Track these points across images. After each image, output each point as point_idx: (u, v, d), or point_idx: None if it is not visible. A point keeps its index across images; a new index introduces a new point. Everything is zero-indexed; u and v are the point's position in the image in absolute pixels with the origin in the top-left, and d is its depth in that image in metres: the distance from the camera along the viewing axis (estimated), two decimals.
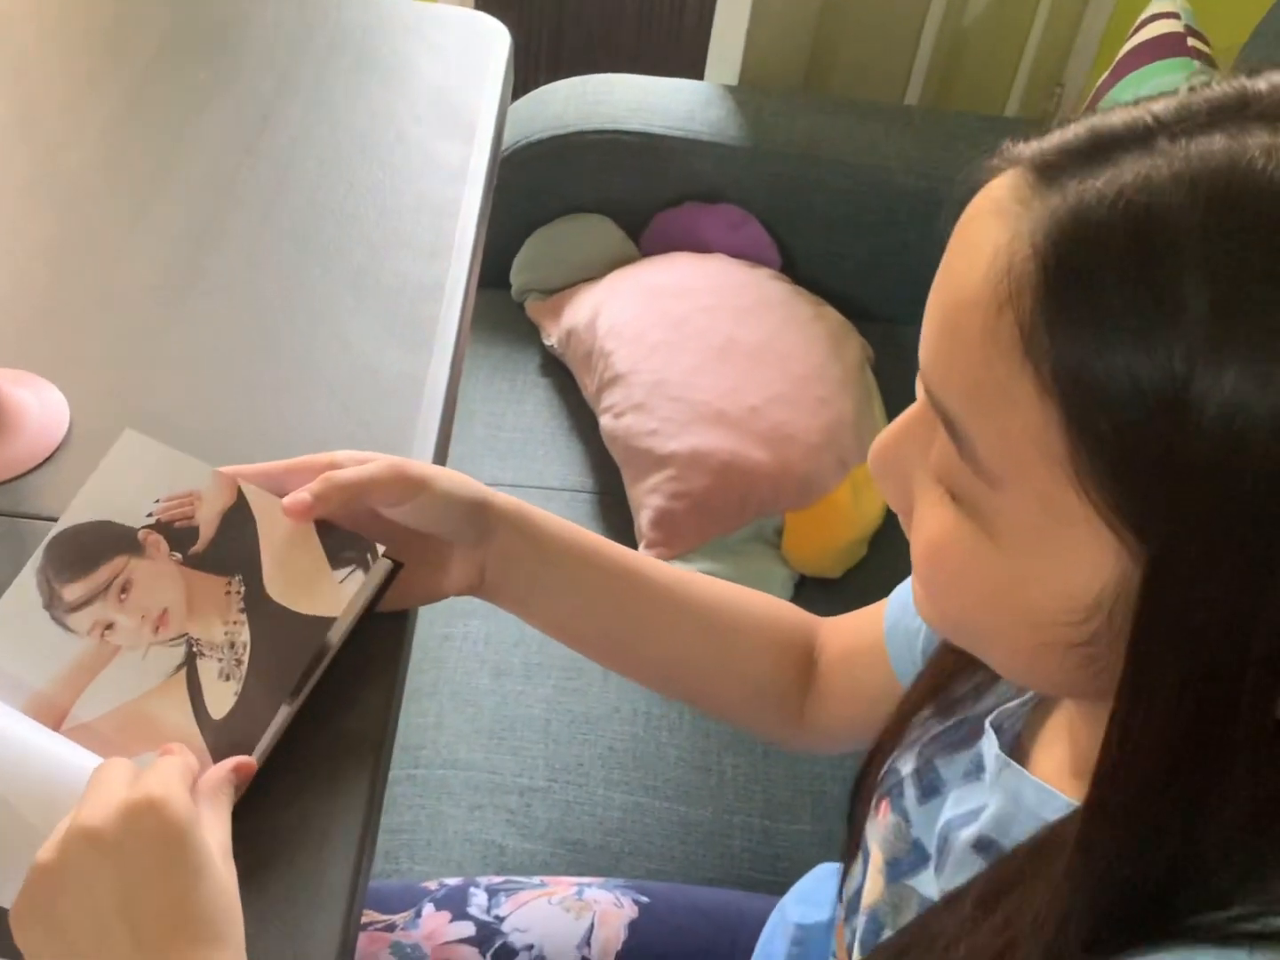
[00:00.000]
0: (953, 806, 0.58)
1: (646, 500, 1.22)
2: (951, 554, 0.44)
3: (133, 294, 0.89)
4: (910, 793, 0.62)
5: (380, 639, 0.69)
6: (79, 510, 0.67)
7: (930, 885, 0.58)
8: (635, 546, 1.24)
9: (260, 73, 1.09)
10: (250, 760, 0.59)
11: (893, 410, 1.37)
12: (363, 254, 0.94)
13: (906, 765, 0.63)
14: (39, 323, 0.85)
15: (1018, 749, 0.56)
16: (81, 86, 1.06)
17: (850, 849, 0.68)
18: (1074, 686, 0.47)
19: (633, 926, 0.86)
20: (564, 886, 0.89)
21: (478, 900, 0.87)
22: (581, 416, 1.38)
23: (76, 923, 0.51)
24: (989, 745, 0.56)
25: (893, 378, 1.42)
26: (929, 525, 0.45)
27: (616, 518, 1.29)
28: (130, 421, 0.79)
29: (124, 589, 0.64)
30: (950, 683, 0.63)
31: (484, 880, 0.90)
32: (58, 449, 0.77)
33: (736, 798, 1.07)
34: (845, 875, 0.68)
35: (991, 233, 0.41)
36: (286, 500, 0.64)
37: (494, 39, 1.18)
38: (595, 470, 1.34)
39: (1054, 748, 0.55)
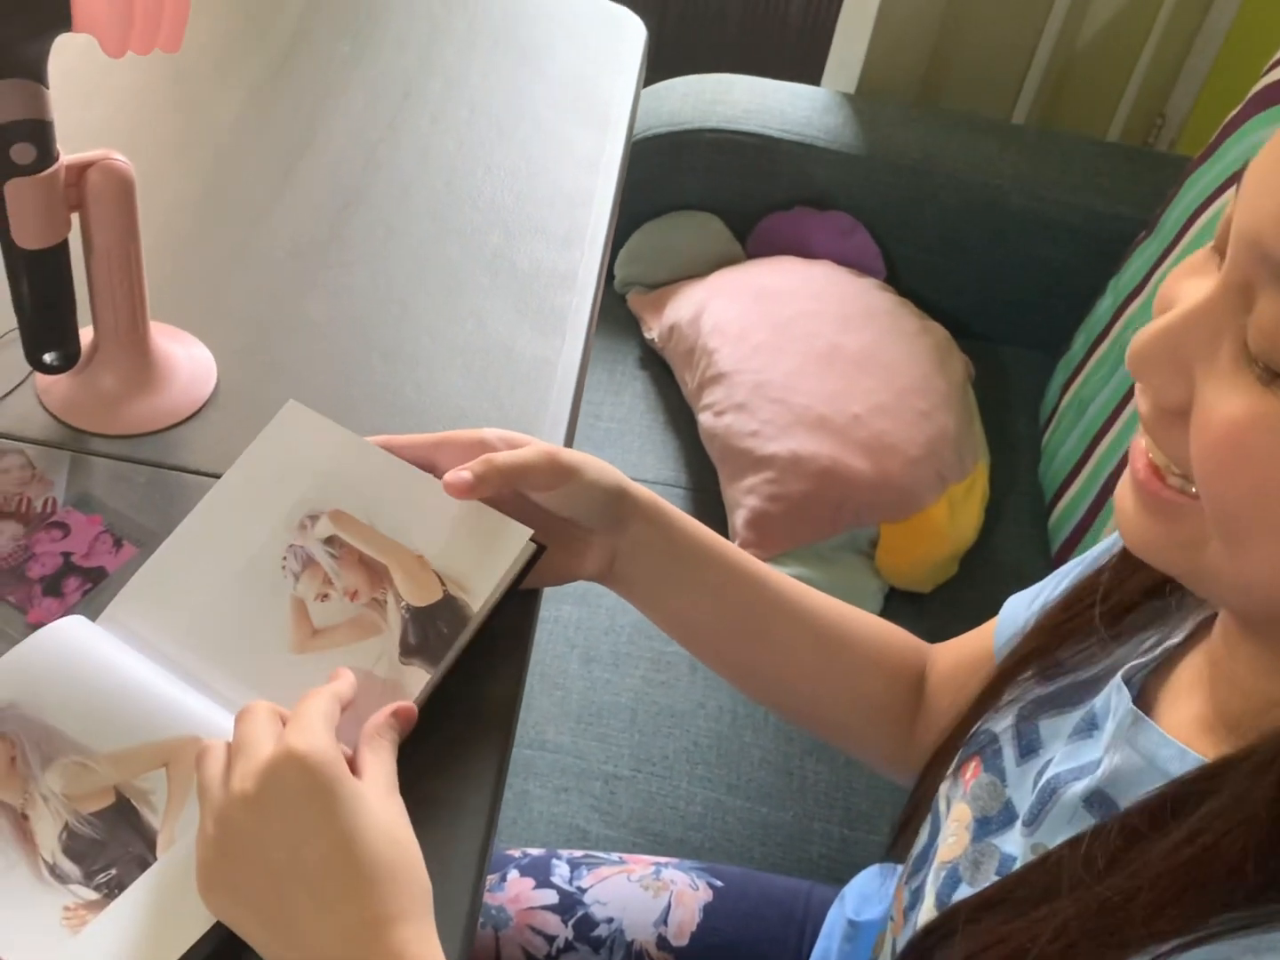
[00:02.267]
0: (1059, 763, 0.58)
1: (743, 500, 1.23)
2: (1264, 434, 0.43)
3: (275, 256, 0.90)
4: (1008, 752, 0.62)
5: (511, 616, 0.70)
6: (241, 475, 0.68)
7: (1013, 843, 0.58)
8: None
9: (401, 49, 1.11)
10: (410, 705, 0.60)
11: (992, 429, 1.37)
12: (499, 237, 0.96)
13: (1002, 725, 0.63)
14: (185, 279, 0.87)
15: (1141, 706, 0.55)
16: (231, 51, 1.08)
17: (919, 807, 0.68)
18: None
19: (707, 909, 0.88)
20: (642, 865, 0.91)
21: (560, 871, 0.89)
22: (678, 412, 1.39)
23: (254, 884, 0.53)
24: (1120, 699, 0.55)
25: (990, 396, 1.42)
26: (1231, 408, 0.44)
27: (709, 515, 1.29)
28: (273, 381, 0.81)
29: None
30: (1059, 648, 0.63)
31: (565, 853, 0.91)
32: (205, 404, 0.78)
33: (817, 804, 1.08)
34: (903, 834, 0.69)
35: None
36: (448, 477, 0.65)
37: (630, 30, 1.19)
38: (690, 466, 1.34)
39: (1181, 704, 0.55)
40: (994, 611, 0.71)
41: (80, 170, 0.67)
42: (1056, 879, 0.51)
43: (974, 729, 0.66)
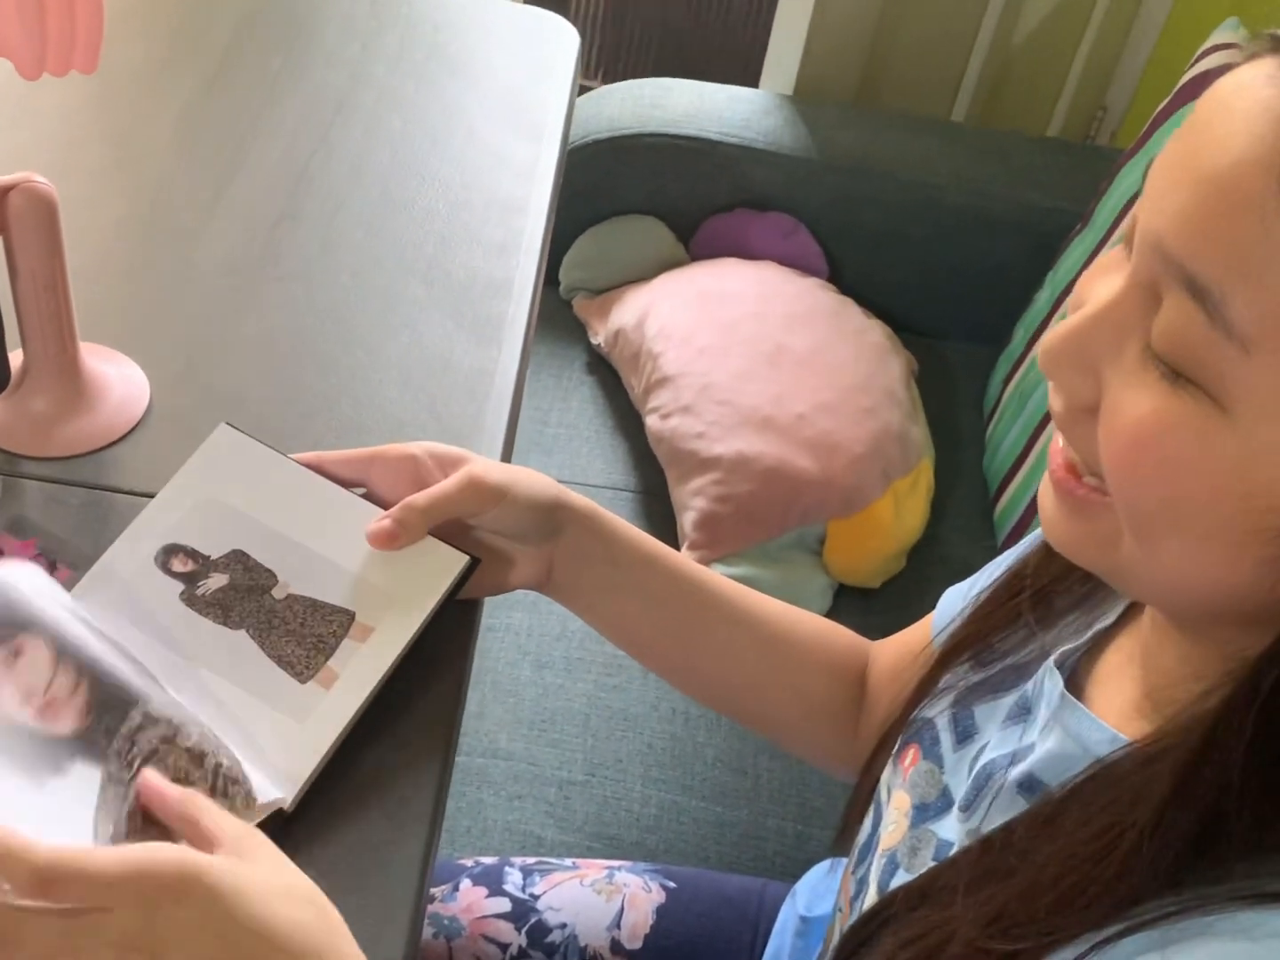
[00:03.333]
0: (994, 749, 0.59)
1: (691, 502, 1.24)
2: (1170, 435, 0.43)
3: (209, 275, 0.90)
4: (945, 739, 0.63)
5: (448, 628, 0.71)
6: (172, 498, 0.68)
7: (950, 829, 0.59)
8: (677, 547, 1.25)
9: (333, 65, 1.11)
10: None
11: (937, 424, 1.38)
12: (433, 247, 0.96)
13: (938, 712, 0.64)
14: (118, 300, 0.87)
15: (1072, 690, 0.56)
16: (159, 71, 1.07)
17: (863, 798, 0.69)
18: (1235, 600, 0.46)
19: (660, 911, 0.88)
20: (595, 869, 0.91)
21: (513, 878, 0.89)
22: (626, 415, 1.39)
23: None
24: (1052, 684, 0.56)
25: (934, 391, 1.43)
26: (1137, 408, 0.44)
27: (658, 518, 1.30)
28: (208, 399, 0.81)
29: None
30: (993, 636, 0.64)
31: (518, 860, 0.92)
32: (138, 424, 0.78)
33: (772, 801, 1.08)
34: (847, 827, 0.70)
35: (1263, 97, 0.42)
36: (370, 530, 0.65)
37: (563, 37, 1.19)
38: (639, 469, 1.35)
39: (1111, 687, 0.56)
40: None
41: (1, 194, 0.67)
42: (988, 864, 0.52)
43: (911, 717, 0.67)
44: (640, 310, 1.39)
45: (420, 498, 0.66)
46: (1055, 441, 0.51)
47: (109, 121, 1.02)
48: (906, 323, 1.49)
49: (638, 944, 0.86)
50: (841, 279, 1.51)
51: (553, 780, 1.07)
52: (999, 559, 0.72)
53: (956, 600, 0.73)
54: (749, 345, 1.30)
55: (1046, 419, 1.26)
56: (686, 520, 1.24)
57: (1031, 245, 1.47)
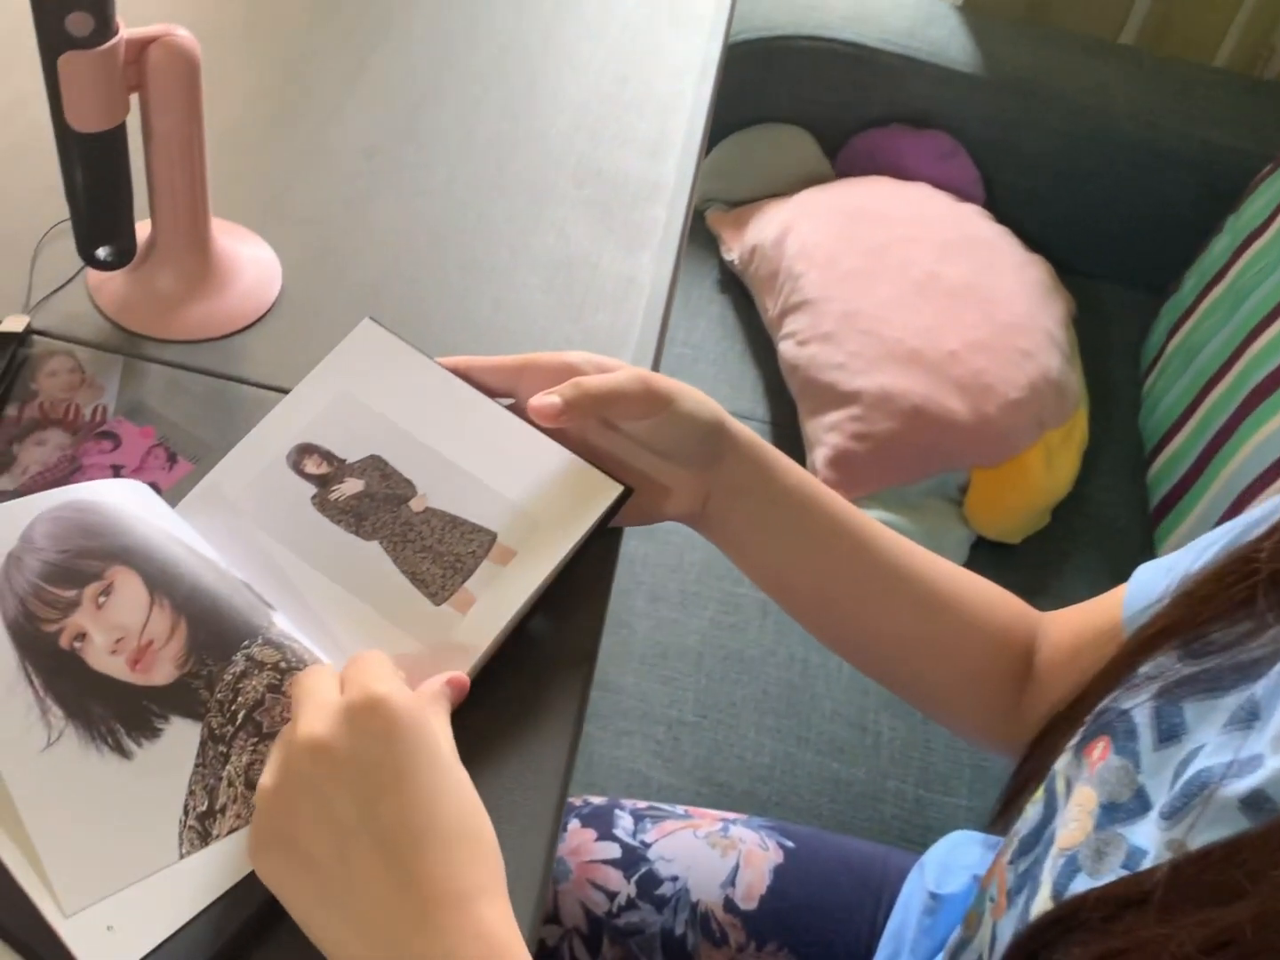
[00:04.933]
0: (1211, 754, 0.52)
1: (825, 437, 1.16)
2: None
3: (347, 155, 0.84)
4: (1145, 735, 0.56)
5: (590, 558, 0.65)
6: (308, 394, 0.62)
7: (1146, 836, 0.53)
8: None
9: None
10: (463, 677, 0.55)
11: (1089, 372, 1.29)
12: (584, 142, 0.88)
13: (1136, 705, 0.57)
14: (250, 176, 0.81)
15: None
16: None
17: (1029, 781, 0.63)
18: None
19: (777, 871, 0.83)
20: (709, 820, 0.86)
21: (623, 823, 0.84)
22: (758, 339, 1.32)
23: (314, 839, 0.47)
24: None
25: (1088, 337, 1.33)
26: None
27: (787, 452, 1.22)
28: (341, 290, 0.75)
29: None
30: (1207, 624, 0.57)
31: (629, 804, 0.87)
32: (268, 311, 0.72)
33: (892, 761, 1.02)
34: (1009, 808, 0.63)
35: None
36: (534, 401, 0.59)
37: None
38: (767, 398, 1.27)
39: None
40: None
41: (141, 46, 0.61)
42: (1210, 881, 0.45)
43: (1101, 706, 0.60)
44: (780, 226, 1.30)
45: (590, 381, 0.60)
46: None
47: None
48: (1063, 260, 1.38)
49: (753, 904, 0.81)
50: (998, 208, 1.40)
51: (662, 719, 1.02)
52: (1207, 537, 0.64)
53: (1155, 579, 0.65)
54: (898, 272, 1.21)
55: (1217, 377, 1.16)
56: (819, 456, 1.16)
57: (1207, 186, 1.36)
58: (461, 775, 0.49)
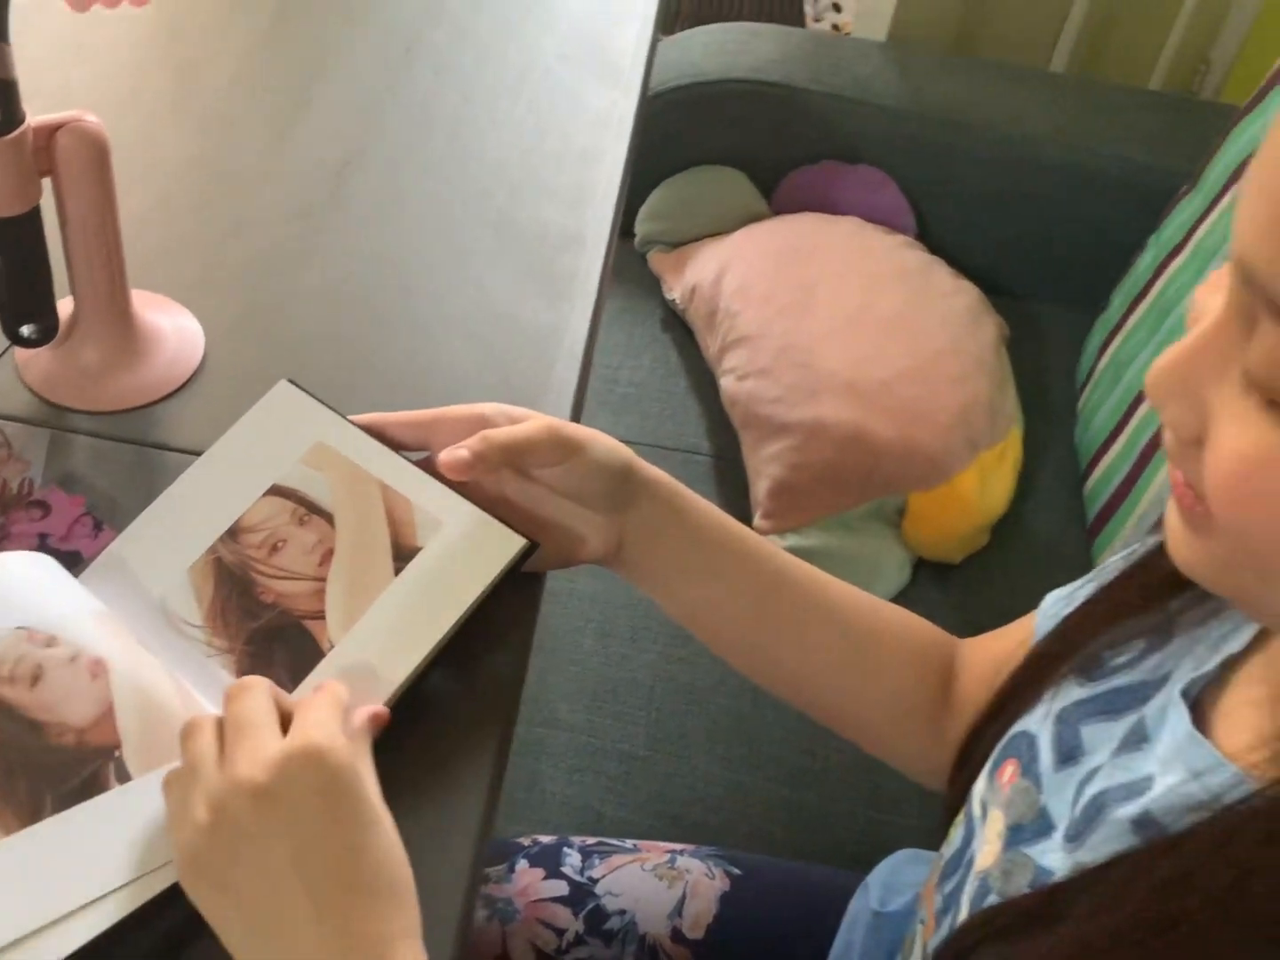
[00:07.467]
0: (1106, 777, 0.54)
1: (765, 469, 1.18)
2: (1271, 468, 0.40)
3: (271, 221, 0.86)
4: (1045, 756, 0.58)
5: (512, 601, 0.67)
6: (222, 454, 0.64)
7: (1051, 856, 0.55)
8: (749, 514, 1.20)
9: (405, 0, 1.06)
10: (384, 710, 0.57)
11: (1026, 391, 1.32)
12: (504, 196, 0.91)
13: (1040, 727, 0.59)
14: (175, 247, 0.83)
15: (1196, 718, 0.51)
16: (224, 7, 1.03)
17: (952, 808, 0.65)
18: None
19: (724, 899, 0.84)
20: (656, 853, 0.87)
21: (571, 860, 0.86)
22: (700, 376, 1.34)
23: (248, 882, 0.49)
24: (1178, 717, 0.51)
25: (1025, 357, 1.36)
26: (1241, 440, 0.41)
27: (731, 484, 1.25)
28: (266, 353, 0.78)
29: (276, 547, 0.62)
30: (1097, 647, 0.59)
31: (577, 840, 0.88)
32: (191, 378, 0.74)
33: (842, 785, 1.04)
34: (942, 831, 0.65)
35: None
36: (443, 456, 0.61)
37: None
38: (711, 432, 1.30)
39: (1240, 721, 0.51)
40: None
41: (49, 133, 0.63)
42: (1097, 901, 0.47)
43: (1013, 730, 0.61)
44: (718, 266, 1.33)
45: (498, 433, 0.62)
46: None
47: (171, 60, 0.98)
48: (997, 284, 1.41)
49: (699, 934, 0.83)
50: (930, 237, 1.43)
51: (614, 754, 1.03)
52: (1107, 563, 0.66)
53: (1060, 604, 0.67)
54: (831, 306, 1.24)
55: (1144, 392, 1.18)
56: (760, 487, 1.19)
57: (1134, 206, 1.39)
58: (388, 825, 0.52)
